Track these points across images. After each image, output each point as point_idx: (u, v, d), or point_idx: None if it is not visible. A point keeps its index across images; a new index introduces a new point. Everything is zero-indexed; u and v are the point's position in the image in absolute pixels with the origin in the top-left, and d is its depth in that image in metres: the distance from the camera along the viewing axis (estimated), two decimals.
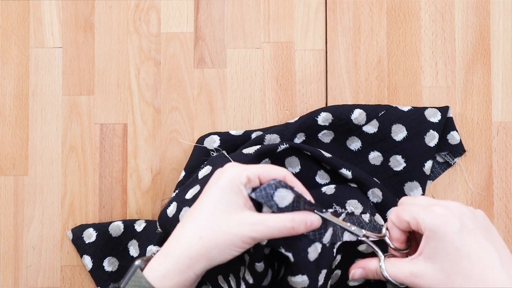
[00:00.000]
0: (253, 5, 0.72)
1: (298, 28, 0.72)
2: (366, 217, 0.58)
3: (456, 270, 0.49)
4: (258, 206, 0.53)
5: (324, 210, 0.54)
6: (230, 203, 0.50)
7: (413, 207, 0.53)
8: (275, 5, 0.72)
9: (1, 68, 0.72)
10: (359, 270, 0.55)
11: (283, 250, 0.53)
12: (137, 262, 0.51)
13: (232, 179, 0.51)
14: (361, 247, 0.60)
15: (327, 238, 0.54)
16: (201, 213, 0.51)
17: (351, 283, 0.61)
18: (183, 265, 0.49)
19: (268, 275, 0.57)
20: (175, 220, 0.60)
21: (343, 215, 0.58)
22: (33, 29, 0.72)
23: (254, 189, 0.52)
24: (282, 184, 0.52)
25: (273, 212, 0.52)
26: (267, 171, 0.52)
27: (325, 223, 0.54)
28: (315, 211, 0.53)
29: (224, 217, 0.50)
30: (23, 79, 0.72)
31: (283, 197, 0.51)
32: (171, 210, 0.61)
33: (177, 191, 0.66)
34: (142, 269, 0.50)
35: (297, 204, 0.51)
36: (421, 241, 0.51)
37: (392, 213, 0.55)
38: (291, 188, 0.52)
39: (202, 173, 0.63)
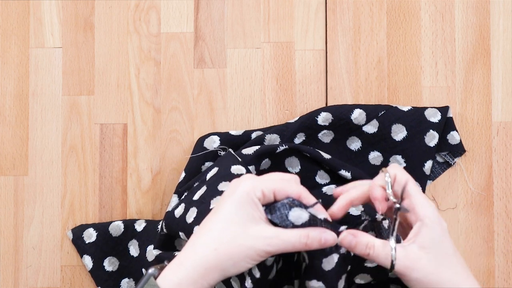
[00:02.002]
0: (253, 5, 0.72)
1: (298, 28, 0.72)
2: (386, 223, 0.56)
3: (447, 264, 0.50)
4: None
5: (341, 227, 0.53)
6: (246, 216, 0.50)
7: (417, 188, 0.52)
8: (275, 5, 0.72)
9: (1, 68, 0.72)
10: (349, 237, 0.52)
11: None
12: (150, 271, 0.51)
13: (248, 192, 0.51)
14: (369, 264, 0.59)
15: (344, 249, 0.54)
16: (216, 225, 0.51)
17: (357, 280, 0.60)
18: (197, 276, 0.49)
19: (273, 269, 0.57)
20: (182, 221, 0.60)
21: (365, 222, 0.57)
22: (33, 29, 0.72)
23: (268, 207, 0.52)
24: (296, 203, 0.52)
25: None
26: (283, 188, 0.52)
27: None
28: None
29: (240, 230, 0.50)
30: (23, 79, 0.72)
31: (298, 216, 0.51)
32: (178, 211, 0.61)
33: (186, 194, 0.65)
34: (155, 278, 0.50)
35: (314, 222, 0.51)
36: (415, 228, 0.51)
37: (397, 169, 0.53)
38: (305, 207, 0.52)
39: (210, 174, 0.63)
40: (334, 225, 0.53)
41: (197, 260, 0.50)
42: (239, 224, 0.50)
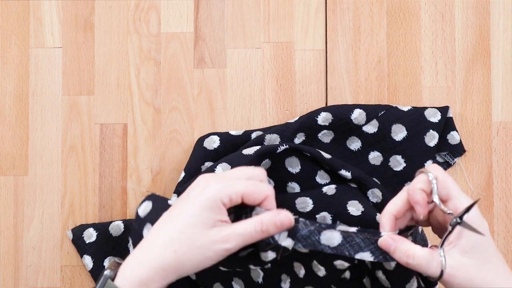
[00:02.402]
0: (253, 5, 0.72)
1: (298, 28, 0.72)
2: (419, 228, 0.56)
3: (489, 265, 0.49)
4: (235, 218, 0.53)
5: (382, 233, 0.52)
6: (206, 220, 0.50)
7: (458, 188, 0.51)
8: (275, 5, 0.72)
9: (1, 68, 0.72)
10: (389, 240, 0.50)
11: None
12: (106, 272, 0.50)
13: (213, 197, 0.50)
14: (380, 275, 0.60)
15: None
16: (176, 227, 0.50)
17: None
18: (157, 276, 0.49)
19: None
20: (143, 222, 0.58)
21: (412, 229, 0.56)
22: (33, 29, 0.72)
23: (295, 236, 0.51)
24: (323, 227, 0.51)
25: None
26: (252, 193, 0.51)
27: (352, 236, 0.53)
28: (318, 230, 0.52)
29: (198, 233, 0.49)
30: (23, 79, 0.72)
31: (332, 238, 0.51)
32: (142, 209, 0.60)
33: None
34: (113, 279, 0.50)
35: (348, 238, 0.51)
36: (456, 231, 0.49)
37: (437, 169, 0.51)
38: (333, 227, 0.52)
39: (142, 209, 0.58)
40: (372, 232, 0.52)
41: (156, 260, 0.49)
42: (198, 227, 0.50)
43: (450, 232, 0.49)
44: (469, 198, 0.51)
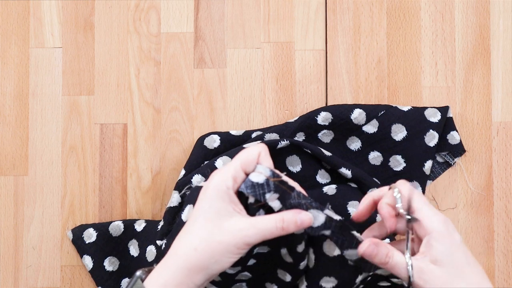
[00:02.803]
0: (253, 5, 0.72)
1: (298, 28, 0.72)
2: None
3: (460, 275, 0.50)
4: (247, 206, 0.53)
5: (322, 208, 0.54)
6: (219, 211, 0.51)
7: (424, 200, 0.53)
8: (275, 5, 0.72)
9: (1, 68, 0.72)
10: (372, 246, 0.52)
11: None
12: (138, 273, 0.52)
13: (217, 186, 0.51)
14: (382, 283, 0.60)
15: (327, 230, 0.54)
16: (194, 225, 0.51)
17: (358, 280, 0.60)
18: (182, 276, 0.50)
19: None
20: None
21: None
22: (33, 29, 0.72)
23: (284, 202, 0.52)
24: (313, 205, 0.52)
25: (260, 204, 0.52)
26: (245, 158, 0.52)
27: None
28: (306, 206, 0.52)
29: (216, 226, 0.50)
30: (23, 79, 0.72)
31: (316, 217, 0.52)
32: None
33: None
34: (143, 280, 0.51)
35: (329, 223, 0.52)
36: (424, 241, 0.51)
37: (402, 184, 0.54)
38: (321, 209, 0.52)
39: (185, 215, 0.62)
40: (352, 228, 0.53)
41: (179, 261, 0.50)
42: (214, 221, 0.50)
43: (408, 232, 0.52)
44: (435, 209, 0.52)
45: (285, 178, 0.52)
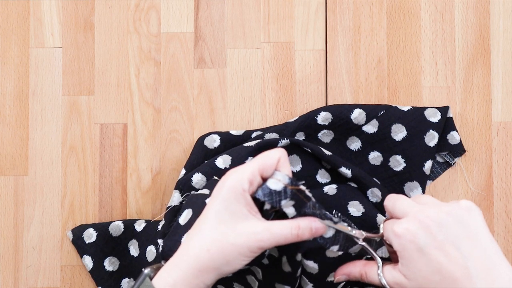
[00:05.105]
0: (253, 5, 0.72)
1: (298, 28, 0.72)
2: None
3: (429, 284, 0.50)
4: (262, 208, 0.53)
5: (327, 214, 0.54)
6: (234, 212, 0.50)
7: (388, 221, 0.54)
8: (275, 5, 0.72)
9: (1, 68, 0.72)
10: (343, 277, 0.56)
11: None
12: (146, 271, 0.51)
13: (233, 187, 0.50)
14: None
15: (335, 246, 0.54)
16: (207, 225, 0.50)
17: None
18: (192, 276, 0.49)
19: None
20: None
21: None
22: (33, 29, 0.72)
23: (299, 210, 0.52)
24: (327, 216, 0.52)
25: (275, 209, 0.52)
26: (264, 162, 0.51)
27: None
28: (320, 217, 0.53)
29: (230, 228, 0.50)
30: (23, 79, 0.72)
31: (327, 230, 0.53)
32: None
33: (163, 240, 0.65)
34: (151, 278, 0.50)
35: (338, 236, 0.53)
36: (397, 255, 0.52)
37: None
38: (334, 222, 0.53)
39: (182, 219, 0.61)
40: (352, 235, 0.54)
41: (190, 261, 0.50)
42: (228, 222, 0.50)
43: (377, 245, 0.56)
44: (393, 231, 0.53)
45: (302, 187, 0.52)
